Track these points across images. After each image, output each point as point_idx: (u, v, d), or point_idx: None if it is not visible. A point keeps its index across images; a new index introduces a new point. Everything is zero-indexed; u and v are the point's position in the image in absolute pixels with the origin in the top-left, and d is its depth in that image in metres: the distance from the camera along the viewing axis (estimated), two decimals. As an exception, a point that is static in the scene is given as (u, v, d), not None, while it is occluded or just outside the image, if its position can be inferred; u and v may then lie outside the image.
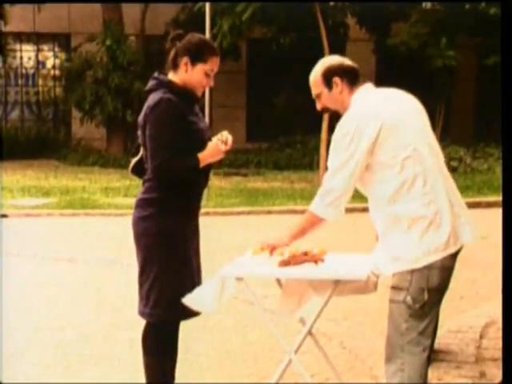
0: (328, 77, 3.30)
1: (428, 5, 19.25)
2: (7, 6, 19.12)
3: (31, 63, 23.53)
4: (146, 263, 3.65)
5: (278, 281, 3.70)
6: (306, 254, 3.50)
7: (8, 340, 5.15)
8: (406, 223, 3.14)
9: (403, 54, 17.78)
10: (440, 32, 17.20)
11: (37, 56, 23.48)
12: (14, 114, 23.40)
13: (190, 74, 3.55)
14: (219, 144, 3.58)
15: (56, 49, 23.60)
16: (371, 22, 18.79)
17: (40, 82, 23.64)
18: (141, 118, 3.63)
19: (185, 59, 3.54)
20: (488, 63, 16.75)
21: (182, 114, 3.51)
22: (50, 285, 7.08)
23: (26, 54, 23.42)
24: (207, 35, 13.66)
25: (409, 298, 3.13)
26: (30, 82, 23.56)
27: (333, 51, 18.64)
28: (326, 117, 14.45)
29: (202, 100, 14.84)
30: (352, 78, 3.32)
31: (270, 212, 11.98)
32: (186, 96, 3.57)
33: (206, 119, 13.55)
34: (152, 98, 3.54)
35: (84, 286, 7.05)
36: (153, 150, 3.53)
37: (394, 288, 3.19)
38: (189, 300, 3.44)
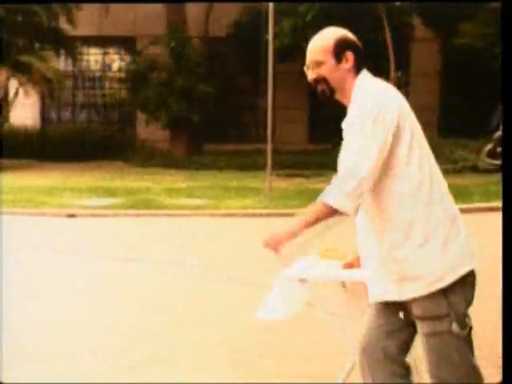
0: (341, 48, 2.86)
1: (495, 4, 18.87)
2: (75, 10, 19.57)
3: (98, 66, 24.04)
4: None
5: (343, 283, 3.68)
6: None
7: (77, 338, 5.28)
8: (422, 232, 2.73)
9: (469, 53, 17.48)
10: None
11: (103, 59, 23.98)
12: (82, 116, 23.97)
13: None
14: None
15: (121, 52, 24.05)
16: (437, 21, 18.54)
17: (106, 84, 24.14)
18: None
19: None
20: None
21: None
22: (116, 284, 7.22)
23: (93, 58, 23.94)
24: (270, 36, 13.68)
25: (455, 326, 2.72)
26: (97, 85, 24.08)
27: (397, 51, 18.58)
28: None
29: (265, 102, 14.89)
30: (361, 60, 2.90)
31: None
32: None
33: (269, 121, 13.58)
34: None
35: (149, 285, 7.16)
36: None
37: (430, 318, 2.74)
38: (262, 312, 3.39)
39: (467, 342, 2.76)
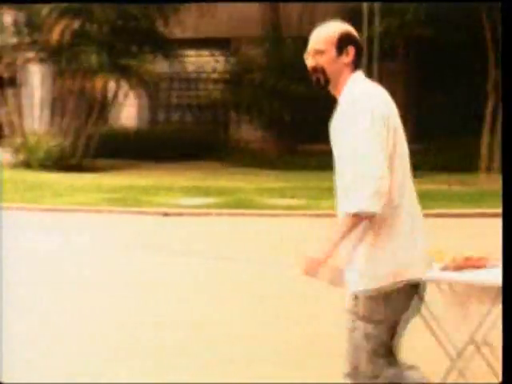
0: (344, 41, 2.90)
1: None
2: (172, 13, 19.93)
3: (192, 68, 24.44)
4: None
5: (440, 287, 3.59)
6: (468, 259, 3.37)
7: (167, 335, 5.35)
8: (380, 233, 2.80)
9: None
10: None
11: (198, 61, 24.34)
12: (176, 117, 24.42)
13: None
14: None
15: (216, 53, 24.34)
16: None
17: (200, 85, 24.49)
18: None
19: None
20: None
21: None
22: (207, 282, 7.28)
23: (187, 59, 24.34)
24: (364, 35, 13.53)
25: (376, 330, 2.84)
26: (192, 86, 24.47)
27: (498, 52, 17.99)
28: (487, 119, 13.87)
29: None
30: (360, 58, 2.94)
31: (426, 215, 11.64)
32: None
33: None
34: None
35: (241, 284, 7.18)
36: None
37: (364, 318, 2.84)
38: None
39: (384, 342, 2.85)
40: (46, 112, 20.85)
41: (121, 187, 14.55)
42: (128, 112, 23.43)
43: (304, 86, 19.78)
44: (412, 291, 2.87)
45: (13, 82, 21.28)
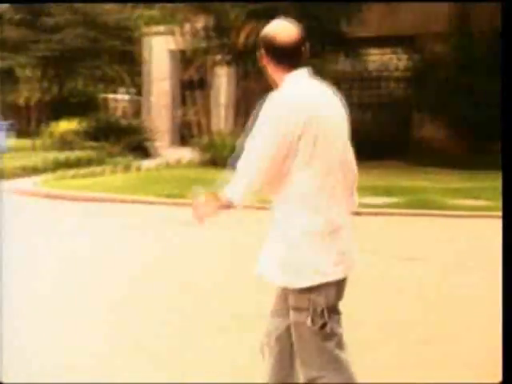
0: (262, 44, 3.08)
1: None
2: (354, 13, 19.93)
3: (375, 66, 24.29)
4: None
5: None
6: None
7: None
8: (305, 234, 2.93)
9: None
10: None
11: (380, 59, 24.16)
12: (357, 117, 24.41)
13: None
14: None
15: (399, 51, 24.02)
16: None
17: (382, 84, 24.28)
18: None
19: None
20: None
21: None
22: (390, 281, 7.25)
23: (370, 58, 24.24)
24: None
25: (309, 320, 2.99)
26: (374, 85, 24.33)
27: None
28: None
29: None
30: (281, 56, 3.00)
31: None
32: None
33: None
34: None
35: (429, 286, 7.08)
36: None
37: (295, 309, 3.03)
38: None
39: (324, 333, 2.99)
40: (231, 112, 21.66)
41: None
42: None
43: (495, 83, 19.03)
44: (341, 284, 3.07)
45: (202, 84, 22.35)
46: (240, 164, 2.98)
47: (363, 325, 5.54)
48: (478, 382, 4.26)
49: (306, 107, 2.93)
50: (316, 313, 2.98)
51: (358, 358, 4.75)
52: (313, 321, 2.98)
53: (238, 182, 2.96)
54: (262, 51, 3.06)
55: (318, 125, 2.94)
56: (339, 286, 3.07)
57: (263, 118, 2.94)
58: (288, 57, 3.02)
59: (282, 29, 3.03)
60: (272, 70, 3.08)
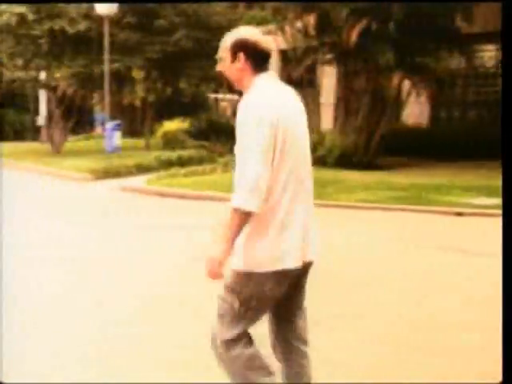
0: (236, 48, 3.15)
1: None
2: (471, 10, 19.33)
3: (492, 63, 23.48)
4: None
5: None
6: None
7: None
8: (262, 224, 3.04)
9: None
10: None
11: (497, 56, 23.33)
12: (473, 114, 23.65)
13: None
14: None
15: (517, 47, 23.12)
16: None
17: (499, 81, 23.43)
18: None
19: None
20: None
21: None
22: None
23: (487, 54, 23.45)
24: None
25: (237, 304, 3.12)
26: (489, 82, 23.52)
27: None
28: None
29: None
30: (259, 60, 3.15)
31: None
32: None
33: None
34: None
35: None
36: None
37: (227, 287, 3.15)
38: None
39: (241, 317, 3.13)
40: (340, 111, 21.48)
41: (409, 185, 14.47)
42: (420, 110, 23.25)
43: None
44: (284, 279, 3.11)
45: (312, 82, 22.32)
46: (238, 172, 3.03)
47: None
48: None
49: (277, 106, 3.08)
50: (242, 297, 3.11)
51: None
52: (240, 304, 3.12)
53: (244, 191, 2.98)
54: (241, 55, 3.16)
55: (287, 122, 3.09)
56: (279, 278, 3.11)
57: (245, 122, 3.03)
58: (265, 61, 3.20)
59: (260, 35, 3.21)
60: (246, 73, 3.19)
